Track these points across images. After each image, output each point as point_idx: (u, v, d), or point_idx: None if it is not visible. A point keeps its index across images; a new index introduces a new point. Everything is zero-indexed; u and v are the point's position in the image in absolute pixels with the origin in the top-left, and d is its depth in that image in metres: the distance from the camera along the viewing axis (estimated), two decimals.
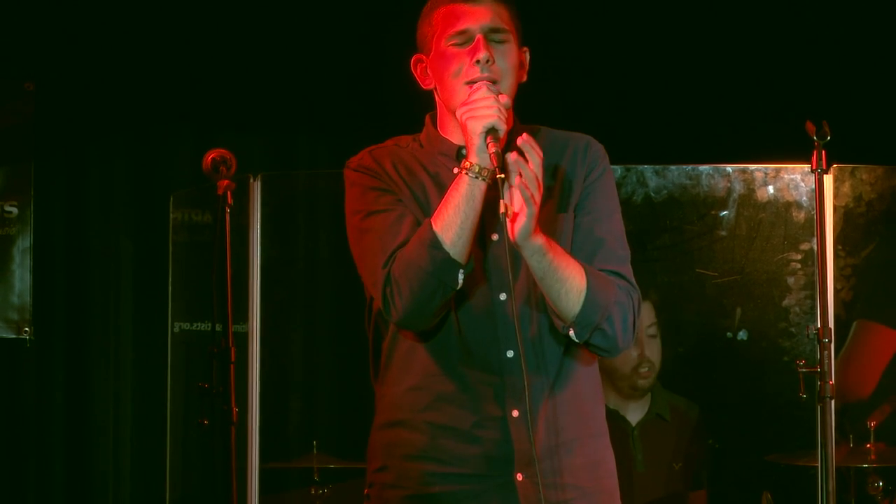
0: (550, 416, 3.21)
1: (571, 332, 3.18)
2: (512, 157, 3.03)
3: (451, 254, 3.09)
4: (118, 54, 6.42)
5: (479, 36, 3.21)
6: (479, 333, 3.20)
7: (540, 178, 3.04)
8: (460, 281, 3.12)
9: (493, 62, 3.21)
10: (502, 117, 3.11)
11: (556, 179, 3.28)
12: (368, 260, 3.22)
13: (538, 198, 3.03)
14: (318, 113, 6.57)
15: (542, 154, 3.05)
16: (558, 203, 3.27)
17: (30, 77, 6.34)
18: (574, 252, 3.22)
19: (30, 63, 6.36)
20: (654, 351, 5.69)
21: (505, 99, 3.16)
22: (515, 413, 3.18)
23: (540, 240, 3.07)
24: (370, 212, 3.25)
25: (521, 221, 3.03)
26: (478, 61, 3.20)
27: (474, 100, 3.14)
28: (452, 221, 3.10)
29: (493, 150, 3.07)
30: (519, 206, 3.03)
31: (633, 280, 3.28)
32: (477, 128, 3.09)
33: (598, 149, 3.36)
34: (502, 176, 3.04)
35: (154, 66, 6.43)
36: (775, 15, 6.40)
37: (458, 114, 3.16)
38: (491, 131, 3.09)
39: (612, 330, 3.20)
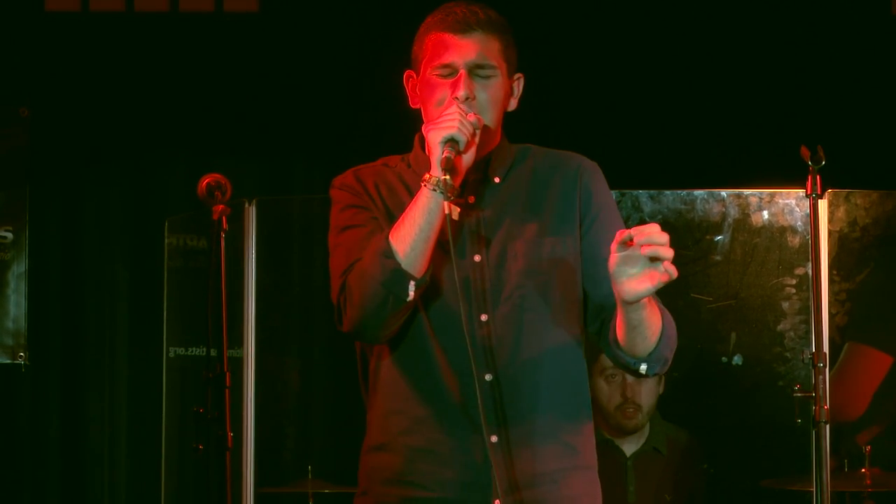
0: (534, 443, 3.17)
1: (643, 367, 3.15)
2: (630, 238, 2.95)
3: (403, 265, 3.06)
4: (113, 79, 6.43)
5: (461, 72, 3.19)
6: (459, 356, 3.14)
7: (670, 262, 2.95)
8: (411, 293, 3.08)
9: (474, 98, 3.19)
10: (464, 130, 3.09)
11: (548, 202, 3.26)
12: (334, 272, 3.23)
13: (664, 277, 2.95)
14: (313, 138, 6.57)
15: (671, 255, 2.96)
16: (550, 226, 3.25)
17: (25, 103, 6.34)
18: (603, 284, 3.16)
19: (25, 88, 6.37)
20: (640, 393, 5.61)
21: (473, 117, 3.14)
22: (494, 438, 3.14)
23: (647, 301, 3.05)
24: (344, 227, 3.26)
25: (646, 287, 2.96)
26: (457, 98, 3.18)
27: (440, 115, 3.14)
28: (407, 233, 3.07)
29: (445, 154, 3.06)
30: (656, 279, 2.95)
31: None
32: (436, 138, 3.09)
33: (591, 169, 3.32)
34: (447, 177, 3.04)
35: (149, 91, 6.44)
36: (770, 40, 6.41)
37: (424, 131, 3.18)
38: (450, 141, 3.08)
39: (672, 357, 3.20)
